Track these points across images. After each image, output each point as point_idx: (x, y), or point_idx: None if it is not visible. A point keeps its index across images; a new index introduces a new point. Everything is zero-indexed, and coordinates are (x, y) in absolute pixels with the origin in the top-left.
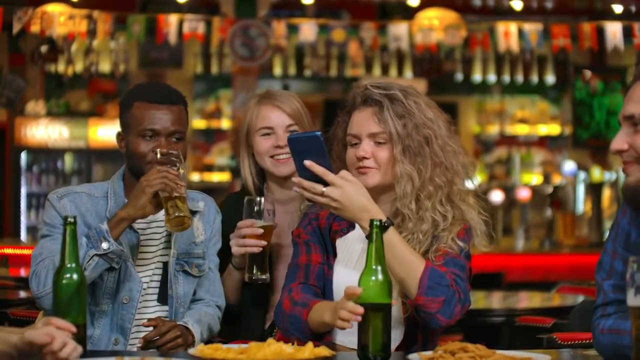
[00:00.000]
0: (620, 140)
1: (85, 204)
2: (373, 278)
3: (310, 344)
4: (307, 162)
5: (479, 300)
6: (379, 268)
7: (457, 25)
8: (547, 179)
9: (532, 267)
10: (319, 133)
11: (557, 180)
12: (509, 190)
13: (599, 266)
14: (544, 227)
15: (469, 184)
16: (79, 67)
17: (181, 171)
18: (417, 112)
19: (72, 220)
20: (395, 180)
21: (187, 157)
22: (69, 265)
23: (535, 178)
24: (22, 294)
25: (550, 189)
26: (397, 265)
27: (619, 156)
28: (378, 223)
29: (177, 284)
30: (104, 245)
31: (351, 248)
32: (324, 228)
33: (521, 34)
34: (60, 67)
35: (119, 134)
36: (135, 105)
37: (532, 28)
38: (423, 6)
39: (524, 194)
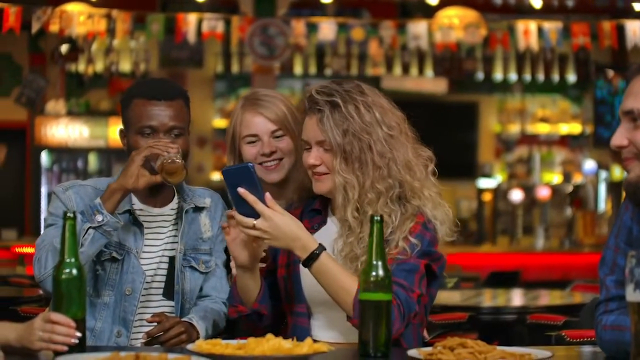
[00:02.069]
0: (620, 136)
1: (89, 195)
2: (374, 273)
3: (309, 340)
4: (241, 190)
5: (497, 297)
6: (379, 263)
7: (476, 24)
8: (567, 178)
9: (551, 266)
10: (252, 165)
11: (577, 179)
12: (529, 190)
13: (601, 262)
14: (564, 226)
15: (426, 178)
16: (99, 66)
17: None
18: (357, 118)
19: (71, 215)
20: (336, 191)
21: (189, 152)
22: (68, 260)
23: (556, 177)
24: (38, 292)
25: (570, 188)
26: (330, 291)
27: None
28: (378, 218)
29: (184, 280)
30: (98, 217)
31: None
32: None
33: (541, 32)
34: (81, 66)
35: (121, 131)
36: (134, 103)
37: (552, 26)
38: (443, 5)
39: (544, 193)
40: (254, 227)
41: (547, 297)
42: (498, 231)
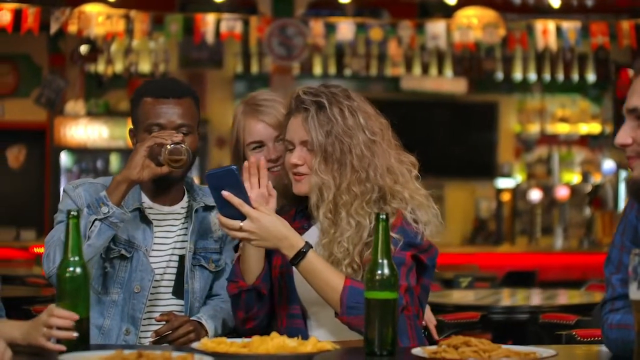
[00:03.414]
0: (624, 134)
1: (99, 192)
2: (379, 272)
3: (313, 338)
4: (225, 193)
5: (510, 296)
6: (385, 262)
7: (495, 24)
8: (585, 177)
9: (570, 266)
10: (235, 167)
11: (597, 179)
12: (548, 190)
13: (607, 260)
14: (583, 226)
15: (409, 181)
16: (118, 67)
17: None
18: (340, 121)
19: (75, 213)
20: (311, 191)
21: (197, 151)
22: (72, 259)
23: (575, 177)
24: (54, 292)
25: (589, 188)
26: (318, 289)
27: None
28: (384, 217)
29: (193, 279)
30: (104, 209)
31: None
32: None
33: (559, 32)
34: (100, 67)
35: (130, 131)
36: (143, 101)
37: (570, 26)
38: (462, 4)
39: (563, 193)
40: (240, 229)
41: (561, 297)
42: (517, 231)
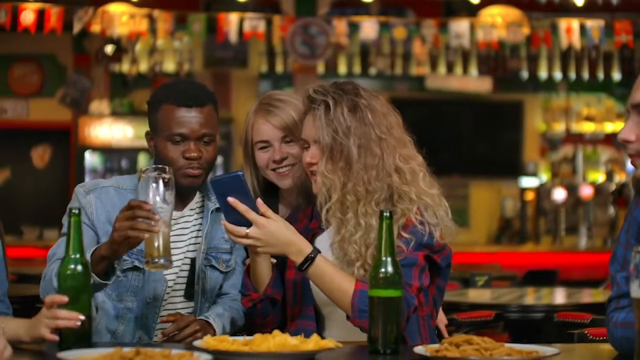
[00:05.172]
0: (628, 131)
1: (112, 199)
2: (383, 270)
3: (315, 336)
4: (231, 199)
5: (527, 295)
6: (389, 260)
7: (519, 22)
8: (610, 176)
9: (593, 265)
10: (241, 173)
11: (622, 178)
12: (573, 189)
13: (612, 258)
14: (607, 225)
15: (418, 181)
16: (143, 66)
17: (164, 202)
18: (347, 119)
19: (76, 212)
20: (318, 191)
21: (215, 159)
22: (73, 256)
23: (601, 176)
24: None
25: (613, 187)
26: (328, 294)
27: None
28: (388, 214)
29: (204, 279)
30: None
31: (325, 245)
32: (303, 230)
33: (583, 30)
34: (125, 66)
35: (147, 134)
36: (163, 108)
37: (594, 24)
38: (487, 3)
39: (587, 192)
40: (246, 236)
41: (578, 296)
42: (541, 230)
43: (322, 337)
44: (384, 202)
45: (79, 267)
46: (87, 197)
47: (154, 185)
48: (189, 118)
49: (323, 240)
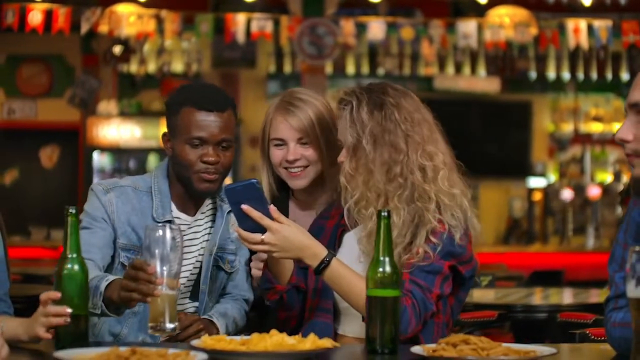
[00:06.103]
0: (625, 130)
1: (131, 200)
2: (380, 269)
3: (312, 336)
4: (245, 207)
5: (532, 295)
6: (387, 259)
7: (527, 23)
8: (618, 177)
9: (601, 265)
10: (256, 180)
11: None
12: (580, 189)
13: (611, 258)
14: (615, 226)
15: (441, 178)
16: (151, 67)
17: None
18: (372, 119)
19: (73, 211)
20: (341, 188)
21: (231, 165)
22: (70, 256)
23: (609, 177)
24: None
25: (621, 187)
26: (344, 296)
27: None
28: (385, 214)
29: (210, 280)
30: (96, 302)
31: (352, 242)
32: (333, 227)
33: (591, 30)
34: (133, 67)
35: (164, 135)
36: (183, 111)
37: (602, 25)
38: (495, 3)
39: (594, 192)
40: (262, 242)
41: (583, 296)
42: (549, 230)
43: (337, 332)
44: (407, 200)
45: (76, 267)
46: (107, 196)
47: (159, 244)
48: (209, 122)
49: (351, 236)
